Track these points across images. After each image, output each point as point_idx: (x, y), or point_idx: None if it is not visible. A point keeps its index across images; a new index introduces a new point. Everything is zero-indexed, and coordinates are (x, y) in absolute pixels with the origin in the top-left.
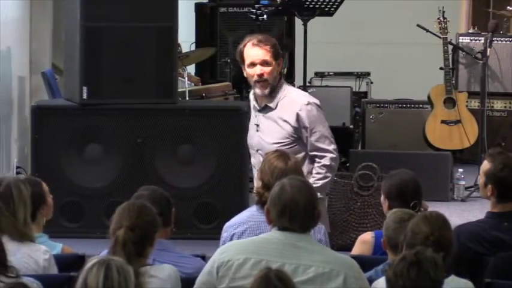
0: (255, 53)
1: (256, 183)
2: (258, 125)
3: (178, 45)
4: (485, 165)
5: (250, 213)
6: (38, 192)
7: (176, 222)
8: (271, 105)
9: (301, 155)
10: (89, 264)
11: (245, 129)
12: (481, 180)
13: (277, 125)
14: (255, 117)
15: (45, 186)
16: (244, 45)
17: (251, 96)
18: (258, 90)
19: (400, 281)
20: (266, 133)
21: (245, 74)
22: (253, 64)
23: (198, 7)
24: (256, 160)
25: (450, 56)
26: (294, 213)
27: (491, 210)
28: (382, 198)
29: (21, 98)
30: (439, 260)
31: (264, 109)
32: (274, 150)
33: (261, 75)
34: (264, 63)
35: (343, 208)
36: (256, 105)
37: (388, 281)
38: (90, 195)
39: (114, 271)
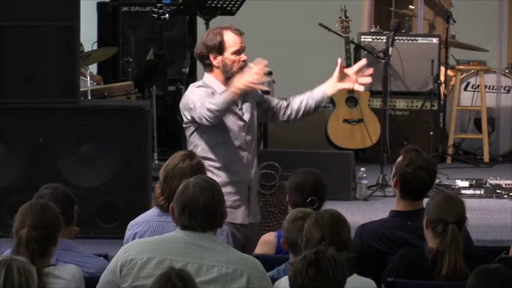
0: (240, 41)
1: None
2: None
3: (81, 44)
4: (399, 158)
5: (154, 212)
6: None
7: (78, 221)
8: None
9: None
10: None
11: (147, 129)
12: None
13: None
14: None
15: None
16: (223, 33)
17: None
18: None
19: (299, 280)
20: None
21: (215, 62)
22: (238, 51)
23: (100, 6)
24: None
25: (352, 55)
26: (193, 211)
27: (395, 208)
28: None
29: None
30: (341, 260)
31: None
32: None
33: (245, 61)
34: (244, 50)
35: None
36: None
37: (289, 280)
38: None
39: (15, 271)
